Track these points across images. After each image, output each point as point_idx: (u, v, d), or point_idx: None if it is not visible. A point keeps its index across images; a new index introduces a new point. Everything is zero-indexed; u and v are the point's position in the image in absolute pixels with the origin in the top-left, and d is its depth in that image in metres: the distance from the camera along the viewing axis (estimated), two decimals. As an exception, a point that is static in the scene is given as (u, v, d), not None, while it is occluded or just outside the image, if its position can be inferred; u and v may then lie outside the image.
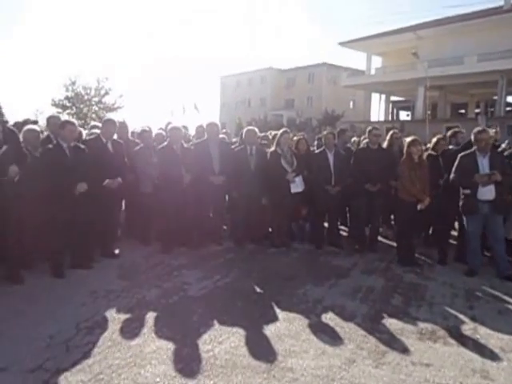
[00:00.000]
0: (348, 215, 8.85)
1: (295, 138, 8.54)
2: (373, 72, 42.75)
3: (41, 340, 4.09)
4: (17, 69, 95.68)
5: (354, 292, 5.60)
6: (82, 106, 44.53)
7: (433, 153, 7.36)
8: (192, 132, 9.94)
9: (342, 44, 42.94)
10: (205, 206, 7.72)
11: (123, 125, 8.11)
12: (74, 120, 6.41)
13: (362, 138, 9.09)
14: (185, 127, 9.31)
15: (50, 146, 6.14)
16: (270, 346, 4.13)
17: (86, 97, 45.17)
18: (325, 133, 7.91)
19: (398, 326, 4.62)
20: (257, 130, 7.90)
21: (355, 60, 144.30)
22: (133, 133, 8.79)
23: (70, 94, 44.25)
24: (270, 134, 9.07)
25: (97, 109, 45.09)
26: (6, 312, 4.70)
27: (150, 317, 4.71)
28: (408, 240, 6.89)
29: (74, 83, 44.28)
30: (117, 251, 7.14)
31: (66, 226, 6.05)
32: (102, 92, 45.48)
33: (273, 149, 7.66)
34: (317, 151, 8.03)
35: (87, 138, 7.26)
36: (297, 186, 7.47)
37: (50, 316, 4.63)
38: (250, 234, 7.87)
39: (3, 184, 5.34)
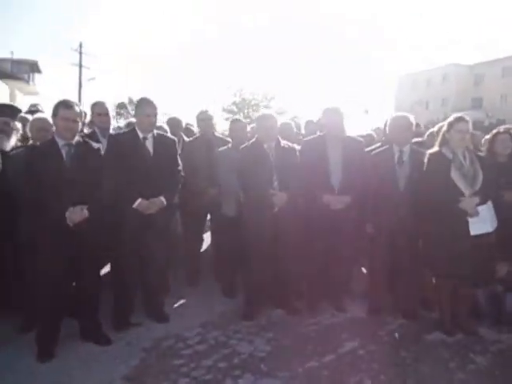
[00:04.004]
0: None
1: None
2: None
3: None
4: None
5: None
6: (249, 110, 44.75)
7: None
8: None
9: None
10: (315, 244, 4.64)
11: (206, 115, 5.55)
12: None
13: None
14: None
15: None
16: None
17: (253, 101, 45.61)
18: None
19: None
20: (412, 118, 4.60)
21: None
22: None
23: (237, 99, 45.00)
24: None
25: (264, 114, 44.46)
26: None
27: None
28: None
29: (241, 89, 45.59)
30: (181, 302, 4.91)
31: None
32: (269, 96, 45.59)
33: (435, 149, 4.33)
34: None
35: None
36: (483, 222, 4.02)
37: None
38: (397, 298, 4.66)
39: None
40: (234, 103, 44.85)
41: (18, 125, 4.46)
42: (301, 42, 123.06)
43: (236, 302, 4.84)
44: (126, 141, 4.18)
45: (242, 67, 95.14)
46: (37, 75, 36.81)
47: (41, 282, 3.65)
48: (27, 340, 3.77)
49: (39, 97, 31.39)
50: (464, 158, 4.14)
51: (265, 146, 4.45)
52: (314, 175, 4.46)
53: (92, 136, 4.69)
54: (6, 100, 23.72)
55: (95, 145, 3.90)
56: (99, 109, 4.89)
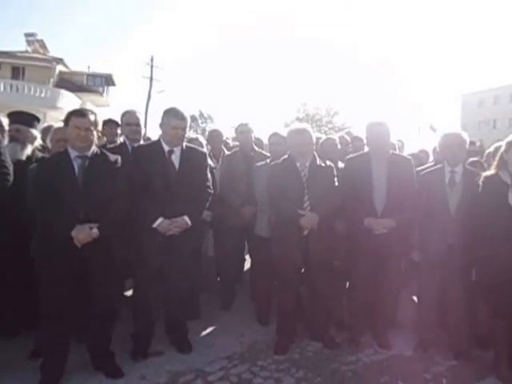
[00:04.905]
0: None
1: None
2: None
3: None
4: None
5: None
6: (312, 125, 44.04)
7: None
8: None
9: None
10: (358, 271, 4.12)
11: (245, 128, 5.09)
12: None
13: None
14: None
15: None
16: None
17: (316, 117, 44.94)
18: None
19: None
20: (465, 135, 3.98)
21: None
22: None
23: (300, 114, 44.47)
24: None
25: (326, 129, 43.83)
26: None
27: None
28: None
29: (305, 104, 44.81)
30: (210, 329, 4.42)
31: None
32: (332, 112, 44.78)
33: (491, 172, 3.73)
34: None
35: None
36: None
37: None
38: (448, 335, 4.02)
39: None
40: (298, 118, 44.15)
41: (36, 133, 4.16)
42: (367, 55, 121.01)
43: (270, 330, 4.32)
44: (149, 153, 3.76)
45: (308, 81, 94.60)
46: (111, 88, 37.83)
47: (45, 306, 3.27)
48: (34, 368, 3.38)
49: (110, 108, 32.33)
50: (527, 182, 3.50)
51: (297, 163, 3.98)
52: (356, 196, 3.95)
53: (121, 147, 4.41)
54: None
55: (112, 157, 3.50)
56: (128, 118, 4.52)
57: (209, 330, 4.44)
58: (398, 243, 3.96)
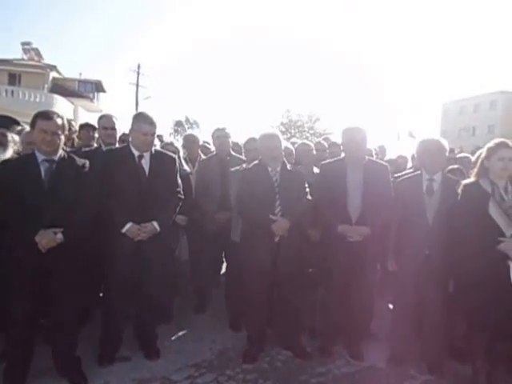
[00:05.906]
0: None
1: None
2: None
3: None
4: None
5: None
6: (295, 131, 44.05)
7: None
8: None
9: None
10: (331, 279, 3.86)
11: (222, 133, 4.83)
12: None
13: None
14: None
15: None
16: None
17: (298, 123, 44.96)
18: None
19: None
20: (444, 141, 3.70)
21: None
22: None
23: (284, 120, 44.50)
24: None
25: (308, 135, 43.71)
26: None
27: None
28: None
29: (288, 110, 44.61)
30: (181, 334, 4.19)
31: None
32: (314, 118, 44.77)
33: (471, 180, 3.45)
34: None
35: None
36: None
37: None
38: (422, 347, 3.75)
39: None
40: (282, 124, 44.16)
41: (16, 137, 3.95)
42: (350, 62, 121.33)
43: (242, 336, 4.05)
44: (119, 158, 3.53)
45: (292, 88, 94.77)
46: (101, 94, 37.73)
47: (12, 308, 3.05)
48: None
49: (101, 114, 32.06)
50: (505, 191, 3.24)
51: (269, 168, 3.76)
52: (330, 202, 3.72)
53: (96, 151, 4.24)
54: (69, 116, 24.41)
55: (80, 161, 3.28)
56: (105, 122, 4.38)
57: (180, 334, 4.21)
58: (373, 251, 3.74)
